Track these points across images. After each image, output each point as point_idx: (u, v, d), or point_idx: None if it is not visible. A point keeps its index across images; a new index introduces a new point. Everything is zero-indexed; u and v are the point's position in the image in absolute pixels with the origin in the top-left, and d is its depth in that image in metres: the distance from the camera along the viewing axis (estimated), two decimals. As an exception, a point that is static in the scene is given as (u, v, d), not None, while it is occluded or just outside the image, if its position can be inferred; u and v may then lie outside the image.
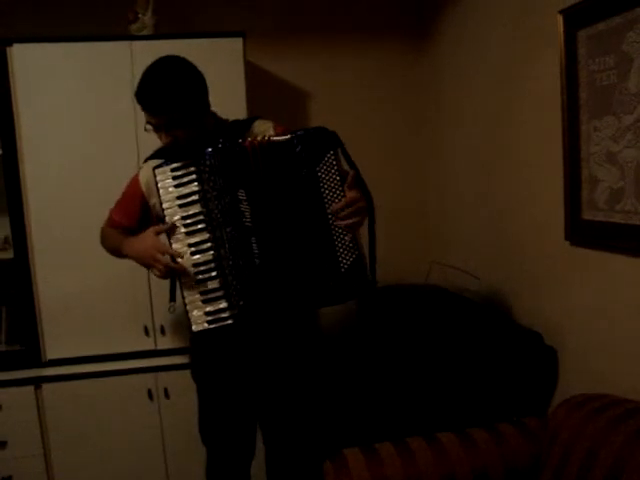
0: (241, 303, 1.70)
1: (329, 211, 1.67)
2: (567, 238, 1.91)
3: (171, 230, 1.72)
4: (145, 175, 1.86)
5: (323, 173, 1.67)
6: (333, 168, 1.67)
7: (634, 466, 1.33)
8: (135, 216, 1.90)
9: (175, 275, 1.74)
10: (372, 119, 3.13)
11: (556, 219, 1.94)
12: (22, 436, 2.48)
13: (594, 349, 1.82)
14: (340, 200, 1.66)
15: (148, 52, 2.37)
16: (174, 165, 1.71)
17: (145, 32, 2.54)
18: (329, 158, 1.66)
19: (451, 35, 2.79)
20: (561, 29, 1.82)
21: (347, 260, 1.70)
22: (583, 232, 1.83)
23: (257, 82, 2.75)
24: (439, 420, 1.93)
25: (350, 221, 1.66)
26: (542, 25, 1.97)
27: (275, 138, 1.69)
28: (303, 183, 1.68)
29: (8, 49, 2.38)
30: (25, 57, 2.40)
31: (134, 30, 2.55)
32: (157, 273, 1.72)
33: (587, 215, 1.81)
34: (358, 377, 2.20)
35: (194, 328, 1.72)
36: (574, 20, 1.77)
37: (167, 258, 1.70)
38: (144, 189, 1.87)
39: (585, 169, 1.80)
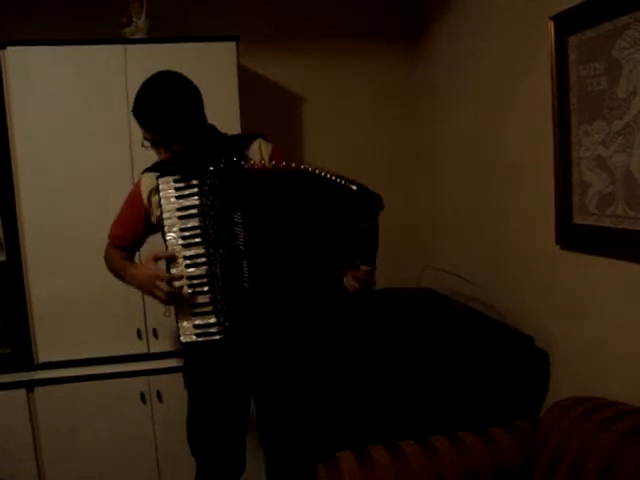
0: (227, 324, 1.70)
1: (351, 272, 1.69)
2: (558, 242, 1.92)
3: (171, 259, 1.71)
4: (147, 184, 1.86)
5: (359, 236, 1.69)
6: (366, 235, 1.69)
7: (624, 468, 1.34)
8: (138, 227, 1.90)
9: (177, 300, 1.72)
10: (365, 123, 3.14)
11: (547, 223, 1.96)
12: (14, 440, 2.47)
13: (585, 352, 1.84)
14: (355, 267, 1.69)
15: (142, 55, 2.40)
16: (177, 177, 1.71)
17: (139, 36, 2.55)
18: (373, 225, 1.70)
19: (445, 41, 2.80)
20: (552, 35, 1.83)
21: (333, 320, 1.74)
22: (574, 236, 1.85)
23: (250, 86, 2.76)
24: (431, 423, 1.94)
25: (359, 287, 1.69)
26: (534, 31, 1.99)
27: (336, 178, 1.69)
28: (333, 233, 1.69)
29: (2, 52, 2.38)
30: (19, 60, 2.40)
31: (128, 34, 2.56)
32: (161, 298, 1.71)
33: (578, 219, 1.82)
34: (351, 380, 2.21)
35: (182, 339, 1.72)
36: (565, 26, 1.79)
37: (165, 285, 1.68)
38: (145, 198, 1.87)
39: (576, 173, 1.81)
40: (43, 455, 2.52)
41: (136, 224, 1.90)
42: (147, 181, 1.86)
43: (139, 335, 2.57)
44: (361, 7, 3.07)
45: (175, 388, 2.40)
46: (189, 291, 1.70)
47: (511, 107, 2.20)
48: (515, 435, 1.74)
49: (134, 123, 2.47)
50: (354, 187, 1.69)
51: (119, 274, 1.89)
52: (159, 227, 1.81)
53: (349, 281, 1.69)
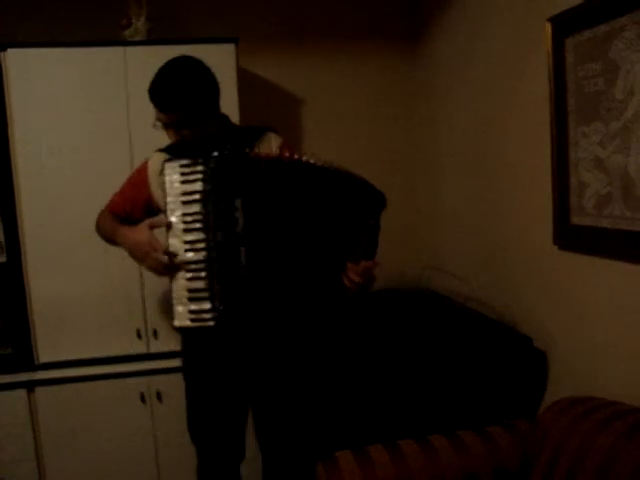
0: (221, 308, 1.70)
1: (349, 265, 1.70)
2: (555, 242, 1.93)
3: (167, 226, 1.72)
4: (154, 165, 1.87)
5: (360, 231, 1.70)
6: (368, 231, 1.71)
7: (621, 467, 1.34)
8: (138, 203, 1.91)
9: (171, 272, 1.73)
10: (365, 123, 3.15)
11: (545, 224, 1.96)
12: (14, 440, 2.48)
13: (583, 352, 1.84)
14: (356, 261, 1.70)
15: (141, 57, 2.41)
16: (183, 162, 1.71)
17: (138, 38, 2.55)
18: (375, 223, 1.71)
19: (445, 41, 2.81)
20: (549, 36, 1.84)
21: (330, 313, 1.76)
22: (571, 237, 1.85)
23: (250, 87, 2.77)
24: (430, 423, 1.95)
25: (360, 281, 1.70)
26: (532, 32, 2.00)
27: (340, 172, 1.70)
28: (334, 226, 1.70)
29: (2, 54, 2.38)
30: (20, 62, 2.40)
31: (128, 36, 2.57)
32: (151, 267, 1.72)
33: (575, 220, 1.83)
34: (350, 380, 2.21)
35: (176, 323, 1.72)
36: (562, 27, 1.79)
37: (161, 255, 1.69)
38: (150, 178, 1.88)
39: (573, 174, 1.82)
40: (43, 455, 2.53)
41: (135, 199, 1.91)
42: (156, 161, 1.85)
43: (139, 335, 2.58)
44: (361, 7, 3.07)
45: (175, 388, 2.41)
46: (187, 276, 1.71)
47: (510, 107, 2.21)
48: (514, 435, 1.75)
49: (134, 124, 2.49)
50: (358, 182, 1.70)
51: (110, 235, 1.89)
52: (159, 210, 1.82)
53: (349, 275, 1.70)
